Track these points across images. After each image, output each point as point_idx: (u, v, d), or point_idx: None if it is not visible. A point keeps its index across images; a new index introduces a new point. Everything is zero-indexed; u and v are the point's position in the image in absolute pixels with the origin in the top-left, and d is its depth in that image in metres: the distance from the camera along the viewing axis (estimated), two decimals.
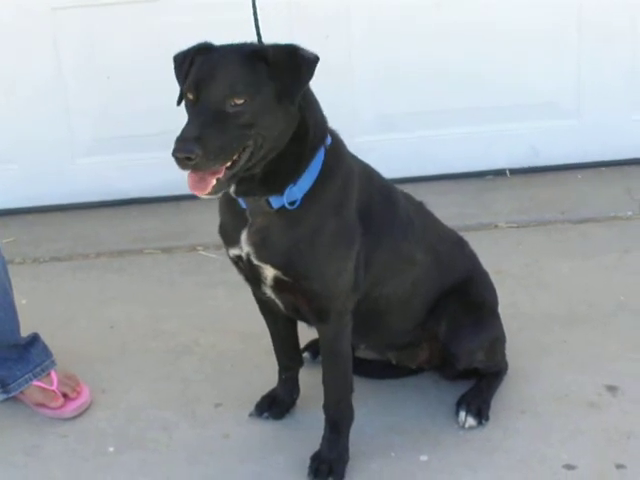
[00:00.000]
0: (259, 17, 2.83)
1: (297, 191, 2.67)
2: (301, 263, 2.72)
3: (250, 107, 2.51)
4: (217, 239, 4.14)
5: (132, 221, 4.60)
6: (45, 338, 3.37)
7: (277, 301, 2.89)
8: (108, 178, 4.70)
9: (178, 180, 4.58)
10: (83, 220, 4.64)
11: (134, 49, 4.50)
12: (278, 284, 2.79)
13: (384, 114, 4.71)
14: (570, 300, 3.78)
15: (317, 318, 2.87)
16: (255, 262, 2.77)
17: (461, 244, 3.22)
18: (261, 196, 2.67)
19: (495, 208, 4.55)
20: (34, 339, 3.32)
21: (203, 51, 2.63)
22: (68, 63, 4.52)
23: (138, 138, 4.64)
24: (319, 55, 2.61)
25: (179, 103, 2.65)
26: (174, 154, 2.46)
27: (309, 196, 2.69)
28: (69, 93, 4.56)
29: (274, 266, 2.75)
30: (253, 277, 2.84)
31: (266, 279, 2.80)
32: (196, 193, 2.55)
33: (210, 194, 2.54)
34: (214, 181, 2.52)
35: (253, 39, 2.75)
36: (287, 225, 2.71)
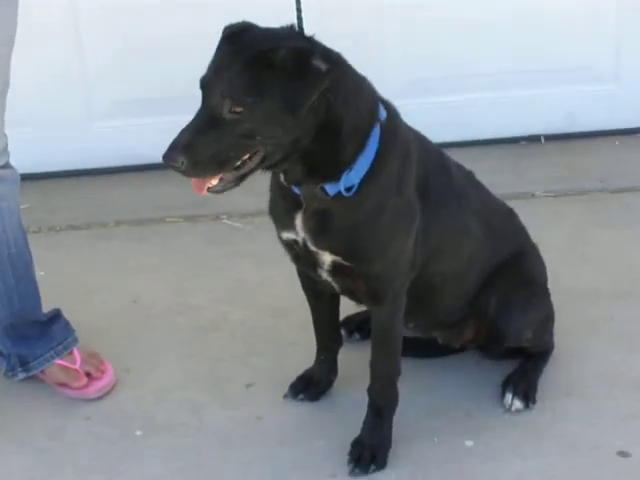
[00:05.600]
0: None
1: (354, 176, 2.49)
2: (363, 247, 2.57)
3: (250, 117, 2.30)
4: (242, 208, 4.07)
5: (152, 188, 4.38)
6: (64, 312, 3.20)
7: (333, 284, 2.73)
8: (127, 142, 4.50)
9: None
10: (101, 187, 4.43)
11: (153, 11, 4.29)
12: (336, 268, 2.63)
13: (414, 78, 4.52)
14: (614, 274, 3.62)
15: (373, 300, 2.72)
16: (312, 248, 2.60)
17: (511, 215, 3.07)
18: (315, 184, 2.49)
19: (531, 176, 4.36)
20: (56, 315, 3.16)
21: (229, 37, 2.40)
22: (85, 18, 4.32)
23: (158, 102, 4.44)
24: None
25: None
26: (162, 159, 2.32)
27: (368, 177, 2.51)
28: (86, 52, 4.37)
29: (334, 252, 2.59)
30: (309, 261, 2.67)
31: (324, 264, 2.64)
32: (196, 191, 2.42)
33: (213, 192, 2.40)
34: (214, 182, 2.38)
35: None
36: (346, 210, 2.54)
